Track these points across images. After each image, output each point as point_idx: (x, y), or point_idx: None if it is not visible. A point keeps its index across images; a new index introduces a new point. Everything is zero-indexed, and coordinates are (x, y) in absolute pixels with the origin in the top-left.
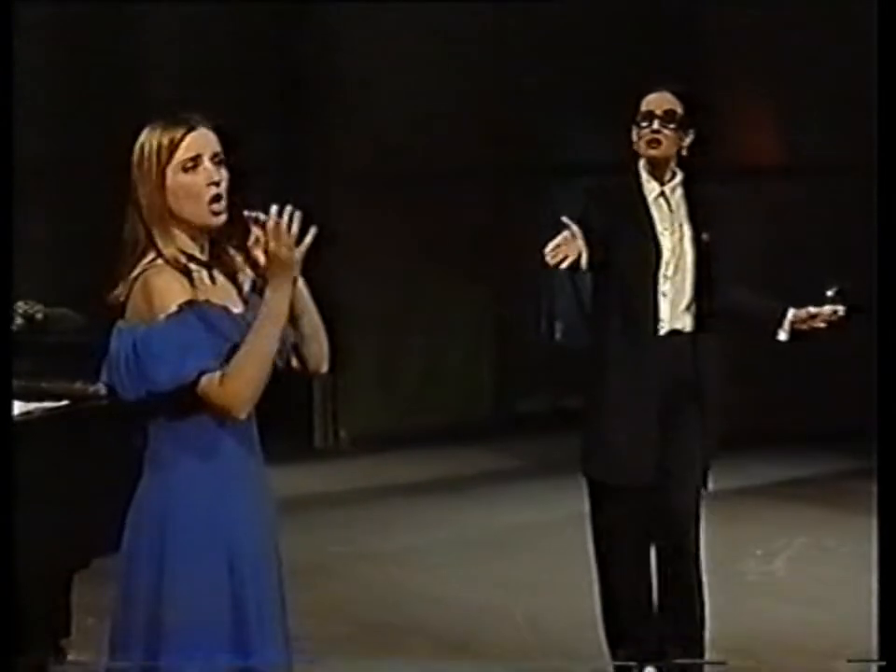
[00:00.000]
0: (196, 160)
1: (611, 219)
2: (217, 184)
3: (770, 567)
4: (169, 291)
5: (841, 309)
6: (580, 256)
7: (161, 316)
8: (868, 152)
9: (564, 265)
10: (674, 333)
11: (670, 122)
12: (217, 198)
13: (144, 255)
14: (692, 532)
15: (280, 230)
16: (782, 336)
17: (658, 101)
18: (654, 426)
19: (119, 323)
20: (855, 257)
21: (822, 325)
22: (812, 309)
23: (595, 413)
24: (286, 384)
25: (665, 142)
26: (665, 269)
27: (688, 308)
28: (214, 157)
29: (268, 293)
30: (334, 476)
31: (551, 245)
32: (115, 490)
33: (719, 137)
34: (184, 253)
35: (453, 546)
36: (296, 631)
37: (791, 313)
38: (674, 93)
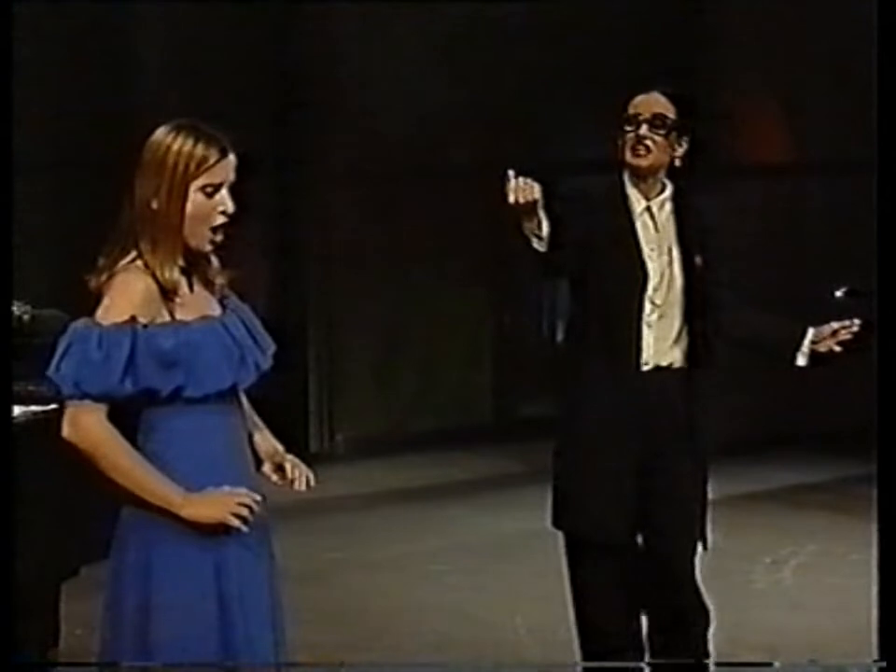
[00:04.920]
0: (219, 186)
1: (590, 235)
2: (226, 214)
3: (779, 575)
4: (129, 295)
5: (857, 321)
6: (540, 222)
7: (109, 321)
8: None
9: (523, 199)
10: (659, 370)
11: (659, 128)
12: (220, 227)
13: (127, 253)
14: (685, 594)
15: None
16: (801, 361)
17: (646, 103)
18: (634, 476)
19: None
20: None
21: (846, 338)
22: (835, 324)
23: (567, 458)
24: (280, 386)
25: (652, 150)
26: (653, 295)
27: (677, 342)
28: (230, 186)
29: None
30: (330, 481)
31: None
32: (103, 497)
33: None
34: (167, 261)
35: (452, 553)
36: (291, 638)
37: (810, 332)
38: (665, 95)
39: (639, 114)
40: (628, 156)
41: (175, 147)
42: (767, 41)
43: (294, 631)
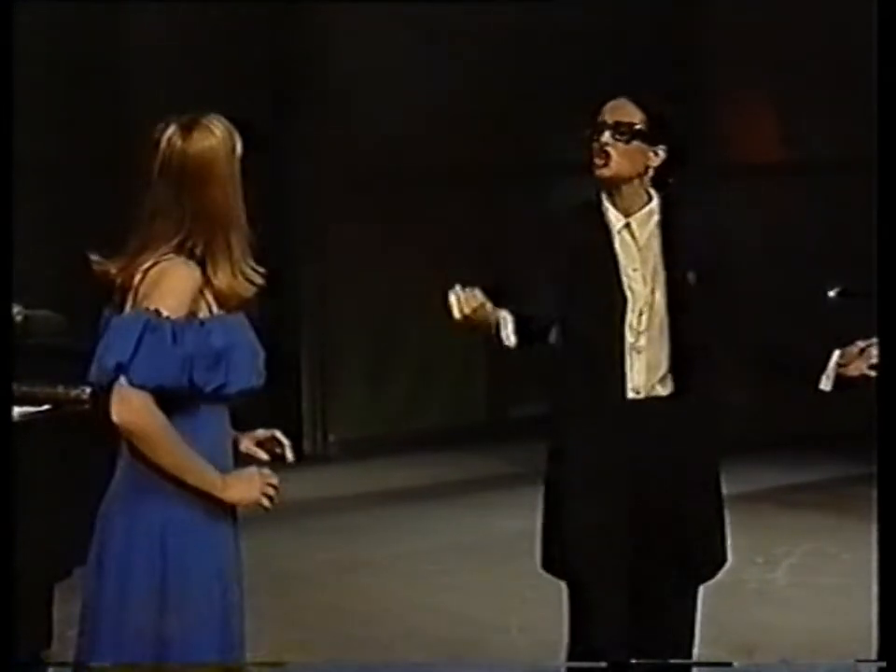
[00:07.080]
0: None
1: (570, 255)
2: None
3: (772, 575)
4: (185, 288)
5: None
6: (498, 328)
7: (175, 315)
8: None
9: (469, 309)
10: (651, 400)
11: (622, 135)
12: None
13: (171, 246)
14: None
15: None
16: (825, 385)
17: (612, 109)
18: (623, 516)
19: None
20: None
21: (873, 361)
22: (861, 343)
23: (552, 493)
24: (274, 388)
25: (613, 158)
26: (637, 320)
27: (669, 369)
28: None
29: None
30: (323, 482)
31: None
32: (97, 497)
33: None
34: (238, 266)
35: (445, 553)
36: (288, 637)
37: (836, 355)
38: (636, 102)
39: (604, 121)
40: (595, 166)
41: (236, 148)
42: (765, 40)
43: (288, 631)
